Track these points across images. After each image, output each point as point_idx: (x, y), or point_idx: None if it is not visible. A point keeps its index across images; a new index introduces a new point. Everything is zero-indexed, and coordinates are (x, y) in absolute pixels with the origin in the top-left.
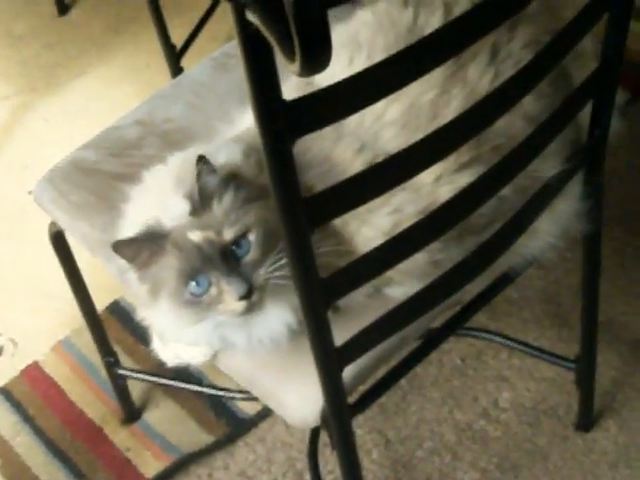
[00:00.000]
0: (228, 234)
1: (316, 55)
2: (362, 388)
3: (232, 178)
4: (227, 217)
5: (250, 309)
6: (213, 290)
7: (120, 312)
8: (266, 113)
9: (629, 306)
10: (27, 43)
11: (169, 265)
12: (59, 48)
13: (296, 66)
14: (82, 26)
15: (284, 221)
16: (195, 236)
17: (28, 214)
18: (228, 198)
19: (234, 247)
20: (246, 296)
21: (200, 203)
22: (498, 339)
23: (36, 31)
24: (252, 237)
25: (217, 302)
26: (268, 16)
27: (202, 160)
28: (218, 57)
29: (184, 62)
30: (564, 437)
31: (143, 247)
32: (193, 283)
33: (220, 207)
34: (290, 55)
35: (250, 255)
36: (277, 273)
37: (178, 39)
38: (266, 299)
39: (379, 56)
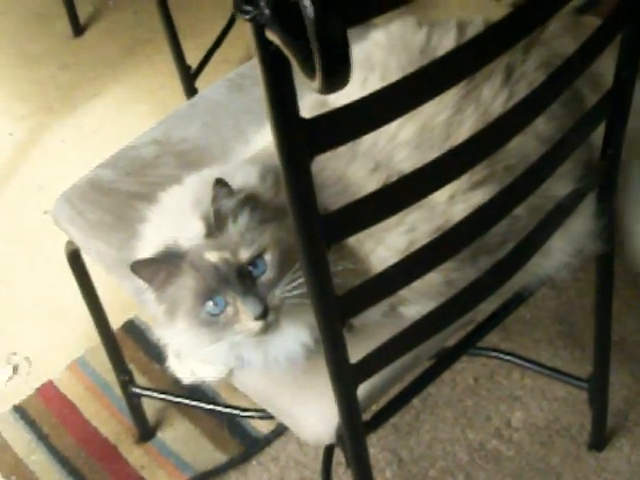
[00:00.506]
0: (244, 254)
1: (337, 73)
2: (375, 407)
3: (249, 200)
4: (243, 238)
5: (266, 329)
6: (229, 310)
7: (135, 331)
8: (285, 131)
9: None
10: (43, 64)
11: (186, 285)
12: (74, 69)
13: (317, 84)
14: (97, 47)
15: (301, 238)
16: (212, 256)
17: (43, 233)
18: (244, 219)
19: (250, 267)
20: (262, 316)
21: (216, 225)
22: (511, 359)
23: (52, 52)
24: (268, 257)
25: (233, 322)
26: (288, 35)
27: (220, 183)
28: (233, 78)
29: (198, 84)
30: (577, 457)
31: (160, 267)
32: (210, 303)
33: (236, 228)
34: (310, 73)
35: (266, 275)
36: (293, 293)
37: (192, 61)
38: (282, 319)
39: (393, 77)
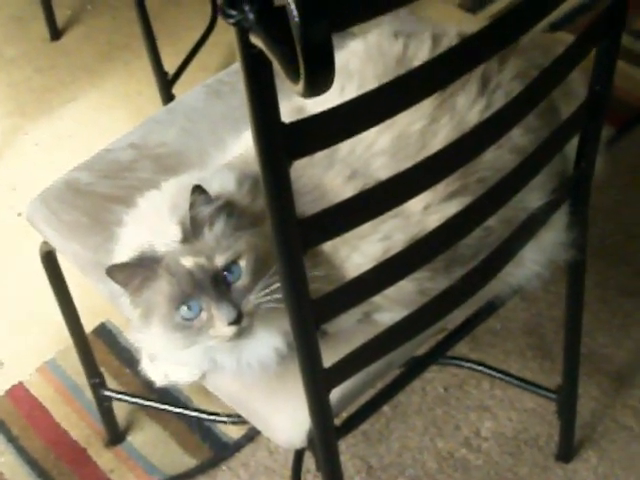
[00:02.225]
0: (219, 260)
1: (321, 76)
2: (345, 414)
3: (225, 206)
4: (219, 244)
5: (240, 334)
6: (204, 315)
7: (106, 334)
8: (265, 134)
9: (610, 339)
10: (18, 67)
11: (161, 290)
12: (50, 73)
13: (300, 87)
14: (74, 52)
15: (278, 242)
16: (187, 262)
17: (17, 236)
18: (220, 225)
19: (225, 273)
20: (236, 321)
21: (192, 230)
22: (481, 369)
23: (28, 55)
24: (243, 263)
25: (207, 327)
26: (272, 39)
27: (197, 190)
28: (212, 84)
29: (175, 90)
30: (545, 467)
31: (136, 272)
32: (184, 308)
33: (212, 234)
34: (294, 76)
35: (241, 281)
36: (267, 298)
37: (169, 68)
38: (256, 324)
39: (369, 85)
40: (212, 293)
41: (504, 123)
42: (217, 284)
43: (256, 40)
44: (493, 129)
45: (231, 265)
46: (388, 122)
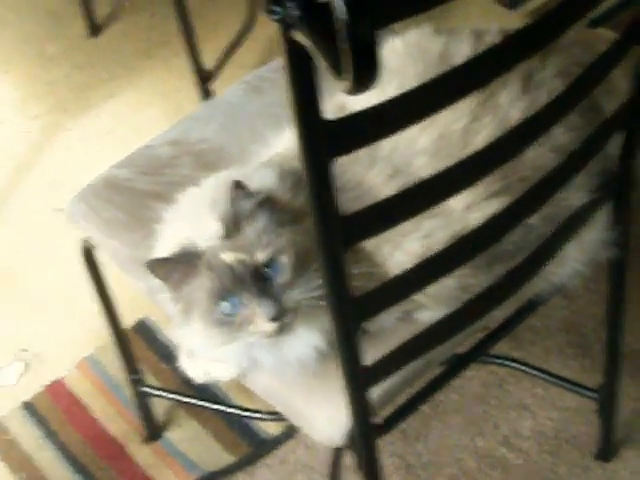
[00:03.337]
0: (260, 256)
1: (367, 73)
2: (384, 413)
3: (266, 202)
4: (259, 240)
5: (280, 331)
6: (244, 311)
7: (145, 331)
8: (308, 132)
9: None
10: (58, 64)
11: (202, 285)
12: (89, 70)
13: (346, 84)
14: (113, 49)
15: (320, 239)
16: (228, 257)
17: (56, 232)
18: (261, 221)
19: (266, 269)
20: (277, 318)
21: (233, 226)
22: (521, 367)
23: (67, 52)
24: (284, 260)
25: (248, 323)
26: (317, 36)
27: (238, 185)
28: (251, 80)
29: (213, 88)
30: (584, 467)
31: (177, 267)
32: (225, 303)
33: (253, 230)
34: (339, 73)
35: (281, 277)
36: (308, 295)
37: (208, 65)
38: (296, 322)
39: (410, 83)
40: (253, 289)
41: (546, 121)
42: (258, 280)
43: (299, 36)
44: (535, 127)
45: (272, 261)
46: (430, 121)
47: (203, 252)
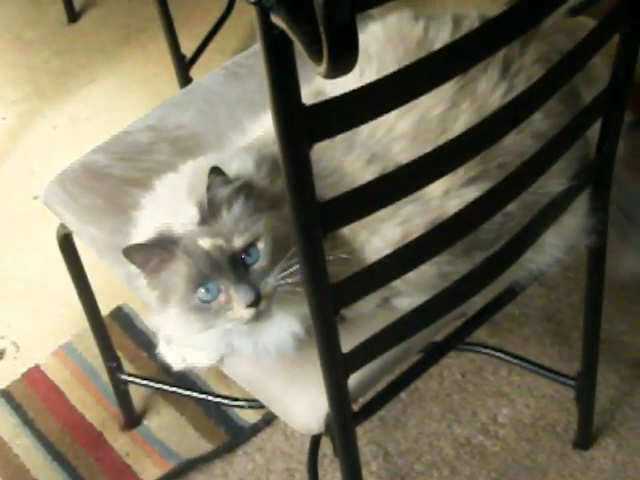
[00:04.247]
0: (238, 242)
1: (344, 57)
2: (362, 400)
3: (244, 188)
4: (237, 225)
5: (258, 317)
6: (222, 297)
7: (123, 318)
8: (286, 116)
9: (629, 326)
10: (36, 49)
11: (179, 271)
12: (68, 55)
13: (323, 68)
14: (92, 34)
15: (298, 225)
16: (205, 243)
17: (33, 219)
18: (238, 207)
19: (243, 255)
20: (254, 304)
21: (210, 212)
22: (499, 355)
23: (46, 38)
24: (261, 245)
25: (225, 309)
26: (295, 19)
27: (215, 171)
28: (230, 66)
29: (192, 73)
30: (562, 454)
31: (153, 253)
32: (202, 289)
33: (230, 216)
34: (317, 57)
35: (259, 263)
36: (285, 281)
37: (187, 51)
38: (274, 308)
39: (389, 69)
40: (230, 275)
41: (525, 107)
42: (235, 266)
43: (277, 20)
44: (514, 113)
45: (249, 247)
46: (408, 106)
47: (180, 238)
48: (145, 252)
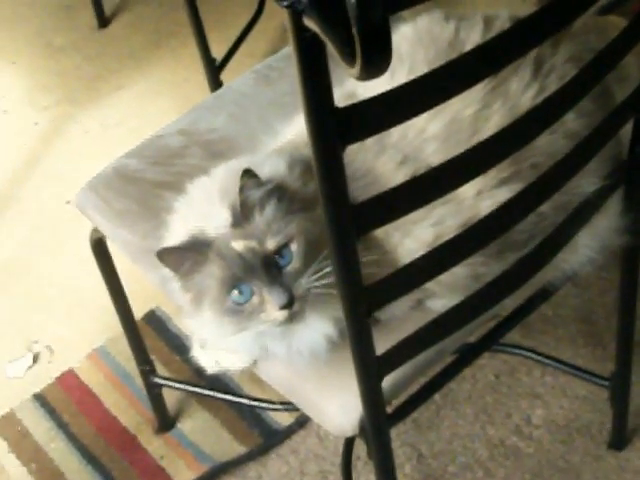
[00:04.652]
0: (271, 244)
1: (377, 59)
2: (395, 402)
3: (276, 190)
4: (270, 227)
5: (291, 319)
6: (255, 299)
7: (156, 321)
8: (318, 119)
9: None
10: (67, 55)
11: (212, 274)
12: (99, 61)
13: (356, 70)
14: (122, 39)
15: (331, 228)
16: (238, 245)
17: (65, 223)
18: (271, 209)
19: (276, 257)
20: (287, 305)
21: (242, 214)
22: (532, 356)
23: (76, 43)
24: (294, 247)
25: (259, 311)
26: (327, 21)
27: (248, 173)
28: (260, 70)
29: (223, 77)
30: (597, 456)
31: (187, 256)
32: (235, 292)
33: (263, 218)
34: (350, 59)
35: (292, 265)
36: (318, 283)
37: (217, 55)
38: (307, 310)
39: (420, 70)
40: (263, 277)
41: (557, 107)
42: (268, 268)
43: (309, 23)
44: (546, 114)
45: (282, 248)
46: (440, 107)
47: (213, 241)
48: (178, 255)
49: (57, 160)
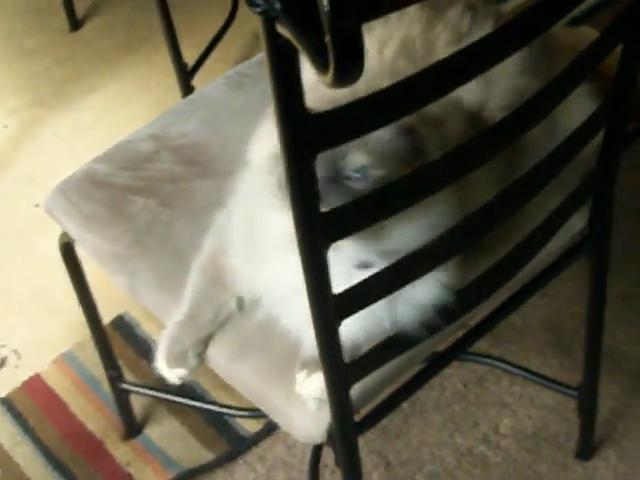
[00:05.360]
0: (360, 156)
1: (350, 67)
2: (364, 410)
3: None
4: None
5: None
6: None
7: (124, 327)
8: (290, 125)
9: (630, 336)
10: (38, 58)
11: None
12: (70, 64)
13: (329, 78)
14: (94, 43)
15: (300, 234)
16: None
17: (35, 227)
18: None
19: (356, 174)
20: None
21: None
22: (500, 365)
23: (47, 46)
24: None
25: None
26: (300, 28)
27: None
28: (232, 76)
29: (194, 82)
30: (564, 465)
31: None
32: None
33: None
34: (322, 67)
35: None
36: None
37: (189, 59)
38: None
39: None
40: (323, 172)
41: (527, 120)
42: (336, 168)
43: (282, 29)
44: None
45: (366, 170)
46: (389, 33)
47: None
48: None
49: (26, 163)
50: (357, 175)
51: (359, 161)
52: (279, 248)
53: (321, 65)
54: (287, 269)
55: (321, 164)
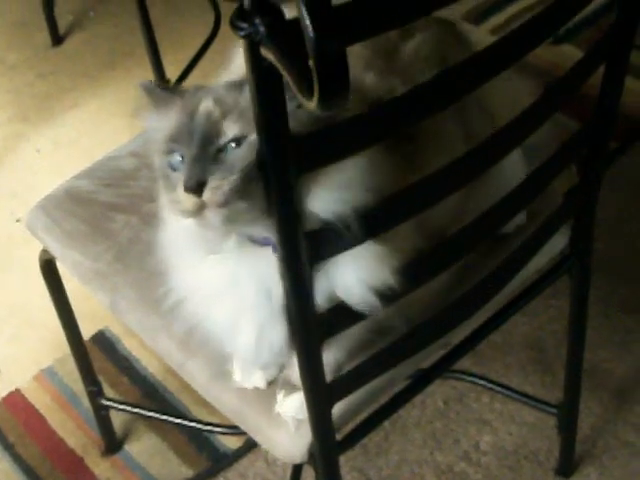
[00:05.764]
0: (234, 127)
1: (335, 91)
2: (346, 428)
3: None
4: (246, 111)
5: (197, 213)
6: (178, 173)
7: (105, 342)
8: (274, 147)
9: (612, 354)
10: (20, 72)
11: (169, 124)
12: (52, 79)
13: (314, 102)
14: (76, 58)
15: (284, 253)
16: (204, 105)
17: (15, 241)
18: None
19: (231, 143)
20: (194, 190)
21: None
22: (481, 382)
23: (29, 61)
24: (248, 146)
25: (175, 186)
26: (284, 52)
27: None
28: None
29: None
30: None
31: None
32: (171, 154)
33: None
34: (307, 92)
35: (238, 163)
36: (236, 203)
37: (171, 75)
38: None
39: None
40: (194, 148)
41: (511, 140)
42: (206, 142)
43: (267, 53)
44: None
45: (242, 140)
46: None
47: (198, 91)
48: (160, 94)
49: (8, 178)
50: (232, 148)
51: (232, 131)
52: (191, 252)
53: (305, 90)
54: (203, 272)
55: (187, 145)
